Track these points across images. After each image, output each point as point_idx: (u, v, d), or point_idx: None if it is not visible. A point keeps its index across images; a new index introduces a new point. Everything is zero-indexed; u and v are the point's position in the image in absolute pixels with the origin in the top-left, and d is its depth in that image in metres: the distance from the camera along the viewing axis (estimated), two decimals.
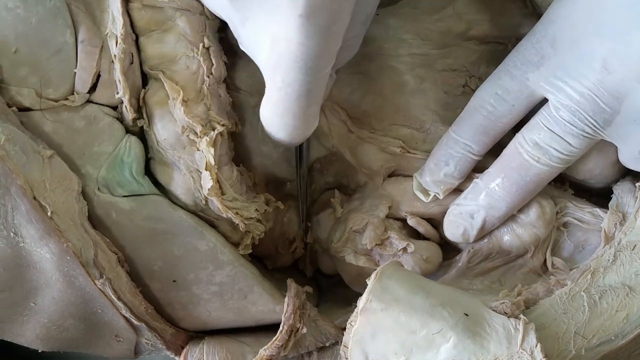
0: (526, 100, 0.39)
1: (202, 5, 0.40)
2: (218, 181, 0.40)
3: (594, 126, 0.37)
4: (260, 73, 0.37)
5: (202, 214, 0.41)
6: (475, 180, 0.42)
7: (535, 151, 0.38)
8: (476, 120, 0.40)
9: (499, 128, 0.40)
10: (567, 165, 0.39)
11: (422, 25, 0.44)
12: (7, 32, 0.38)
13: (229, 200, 0.40)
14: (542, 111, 0.38)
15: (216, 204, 0.40)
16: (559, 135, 0.38)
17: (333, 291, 0.50)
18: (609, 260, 0.38)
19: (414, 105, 0.44)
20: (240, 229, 0.41)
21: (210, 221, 0.41)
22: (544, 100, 0.38)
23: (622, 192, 0.41)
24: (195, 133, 0.40)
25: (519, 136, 0.39)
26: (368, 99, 0.44)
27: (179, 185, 0.40)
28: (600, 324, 0.37)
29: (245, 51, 0.38)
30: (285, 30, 0.32)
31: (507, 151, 0.40)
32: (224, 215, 0.40)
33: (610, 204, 0.41)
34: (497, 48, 0.44)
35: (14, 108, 0.38)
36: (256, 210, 0.42)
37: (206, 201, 0.40)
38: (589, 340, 0.36)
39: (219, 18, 0.40)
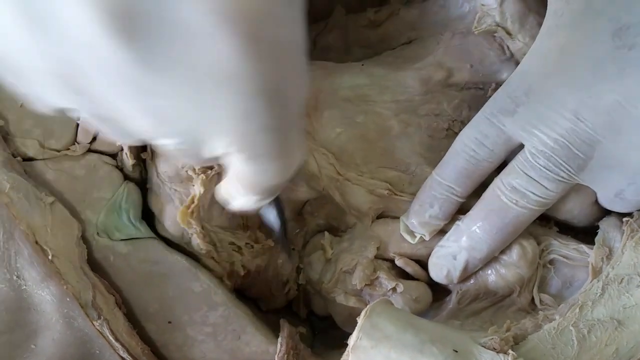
0: (504, 145, 0.40)
1: None
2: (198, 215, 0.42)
3: (568, 171, 0.38)
4: None
5: (186, 247, 0.43)
6: (457, 222, 0.43)
7: (513, 195, 0.40)
8: (458, 163, 0.42)
9: (480, 171, 0.42)
10: (546, 208, 0.41)
11: (405, 73, 0.46)
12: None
13: (212, 231, 0.42)
14: (519, 156, 0.40)
15: (195, 238, 0.41)
16: (535, 180, 0.39)
17: (327, 333, 0.51)
18: (596, 293, 0.39)
19: (400, 148, 0.46)
20: (215, 258, 0.43)
21: (195, 255, 0.43)
22: (522, 145, 0.40)
23: (608, 227, 0.42)
24: (194, 170, 0.42)
25: (497, 180, 0.41)
26: (355, 143, 0.46)
27: (168, 216, 0.42)
28: (590, 358, 0.37)
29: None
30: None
31: (486, 195, 0.42)
32: (202, 250, 0.42)
33: (596, 238, 0.42)
34: (478, 93, 0.46)
35: (19, 158, 0.41)
36: (243, 237, 0.43)
37: (190, 235, 0.42)
38: None
39: None
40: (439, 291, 0.46)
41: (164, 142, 0.29)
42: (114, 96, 0.26)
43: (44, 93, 0.28)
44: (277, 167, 0.31)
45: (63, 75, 0.26)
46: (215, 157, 0.30)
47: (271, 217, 0.42)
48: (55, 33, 0.24)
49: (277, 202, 0.42)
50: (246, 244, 0.45)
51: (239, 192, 0.34)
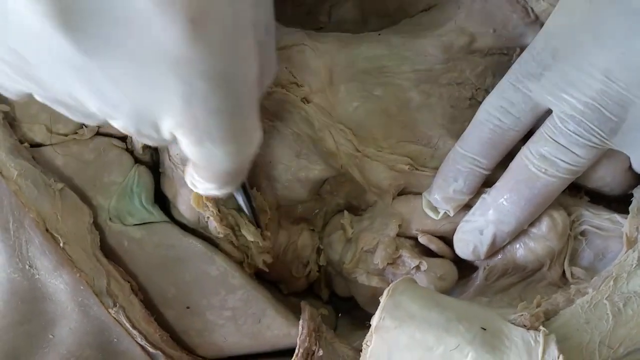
0: (531, 112, 0.38)
1: None
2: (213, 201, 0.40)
3: (601, 136, 0.36)
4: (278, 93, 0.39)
5: (204, 232, 0.42)
6: (483, 195, 0.41)
7: (542, 163, 0.38)
8: (483, 134, 0.40)
9: (506, 141, 0.40)
10: (576, 176, 0.39)
11: (425, 40, 0.44)
12: None
13: (229, 214, 0.41)
14: (547, 123, 0.38)
15: (213, 222, 0.40)
16: (564, 147, 0.37)
17: (351, 314, 0.50)
18: (632, 265, 0.37)
19: (421, 121, 0.44)
20: (234, 243, 0.42)
21: (213, 240, 0.42)
22: (550, 111, 0.38)
23: None
24: None
25: (524, 149, 0.39)
26: (373, 117, 0.44)
27: (183, 200, 0.41)
28: (627, 333, 0.35)
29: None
30: None
31: (513, 165, 0.40)
32: (220, 234, 0.41)
33: (630, 207, 0.40)
34: (502, 59, 0.44)
35: (26, 144, 0.40)
36: (249, 231, 0.42)
37: (207, 218, 0.41)
38: (615, 350, 0.35)
39: None
40: (465, 268, 0.44)
41: (115, 123, 0.29)
42: (60, 82, 0.27)
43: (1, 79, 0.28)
44: (225, 152, 0.30)
45: (10, 62, 0.26)
46: (166, 139, 0.29)
47: (241, 201, 0.41)
48: (1, 22, 0.24)
49: (245, 190, 0.41)
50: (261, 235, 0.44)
51: (196, 179, 0.33)
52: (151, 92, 0.26)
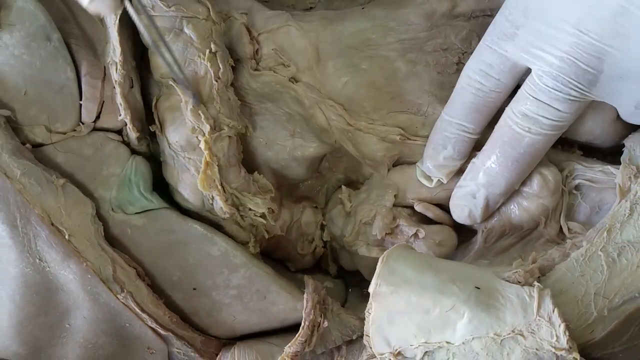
0: (510, 72, 0.38)
1: (209, 11, 0.42)
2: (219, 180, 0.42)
3: (579, 89, 0.36)
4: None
5: (209, 215, 0.43)
6: (472, 160, 0.41)
7: (525, 122, 0.38)
8: (466, 99, 0.40)
9: (490, 104, 0.40)
10: (561, 132, 0.39)
11: (407, 10, 0.44)
12: (17, 77, 0.41)
13: (232, 194, 0.42)
14: (527, 81, 0.38)
15: (219, 202, 0.41)
16: (545, 103, 0.37)
17: (360, 287, 0.51)
18: (624, 214, 0.37)
19: (409, 90, 0.44)
20: (242, 225, 0.43)
21: (218, 223, 0.43)
22: (530, 70, 0.38)
23: (634, 144, 0.40)
24: (204, 134, 0.41)
25: (507, 110, 0.39)
26: (362, 90, 0.44)
27: (187, 185, 0.42)
28: (621, 282, 0.35)
29: None
30: None
31: (498, 126, 0.40)
32: (226, 214, 0.42)
33: (622, 157, 0.40)
34: (486, 20, 0.43)
35: (28, 145, 0.41)
36: (264, 204, 0.43)
37: (212, 200, 0.42)
38: (610, 300, 0.35)
39: (224, 22, 0.42)
40: (465, 232, 0.45)
41: None
42: None
43: None
44: None
45: None
46: None
47: (135, 19, 0.38)
48: None
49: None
50: (268, 209, 0.45)
51: None
52: None
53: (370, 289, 0.36)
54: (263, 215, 0.44)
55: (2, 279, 0.40)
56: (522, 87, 0.38)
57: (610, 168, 0.40)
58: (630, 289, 0.35)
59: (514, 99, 0.39)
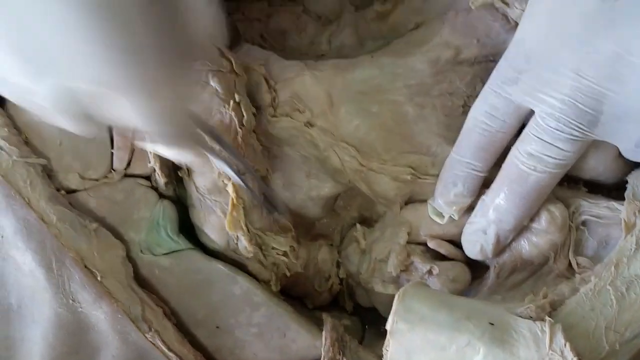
0: (515, 114, 0.41)
1: (232, 64, 0.45)
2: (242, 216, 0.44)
3: (581, 129, 0.38)
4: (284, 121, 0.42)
5: (233, 254, 0.45)
6: (482, 197, 0.43)
7: (531, 161, 0.40)
8: (473, 139, 0.42)
9: (496, 143, 0.42)
10: (565, 169, 0.40)
11: (414, 57, 0.47)
12: (52, 128, 0.43)
13: (256, 234, 0.44)
14: (531, 122, 0.40)
15: (243, 242, 0.43)
16: (549, 143, 0.39)
17: (377, 324, 0.52)
18: (631, 249, 0.38)
19: (418, 131, 0.46)
20: (264, 261, 0.44)
21: (241, 262, 0.45)
22: (533, 111, 0.40)
23: (637, 181, 0.41)
24: (230, 178, 0.44)
25: (513, 149, 0.41)
26: (373, 133, 0.46)
27: (213, 226, 0.45)
28: (631, 316, 0.36)
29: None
30: None
31: (505, 165, 0.42)
32: (250, 254, 0.44)
33: (626, 193, 0.41)
34: (489, 65, 0.46)
35: (63, 191, 0.44)
36: (286, 242, 0.45)
37: (237, 240, 0.44)
38: (622, 334, 0.36)
39: (247, 73, 0.45)
40: (478, 268, 0.46)
41: (37, 93, 0.29)
42: None
43: None
44: (145, 111, 0.29)
45: None
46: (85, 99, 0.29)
47: (226, 169, 0.42)
48: None
49: (226, 148, 0.41)
50: (290, 246, 0.47)
51: (147, 141, 0.34)
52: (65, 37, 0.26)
53: (388, 327, 0.38)
54: (285, 254, 0.46)
55: (37, 319, 0.42)
56: (526, 128, 0.40)
57: (615, 204, 0.41)
58: None
59: (519, 139, 0.41)
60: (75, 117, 0.30)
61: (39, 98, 0.29)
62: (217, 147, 0.41)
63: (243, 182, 0.43)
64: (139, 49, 0.28)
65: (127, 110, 0.29)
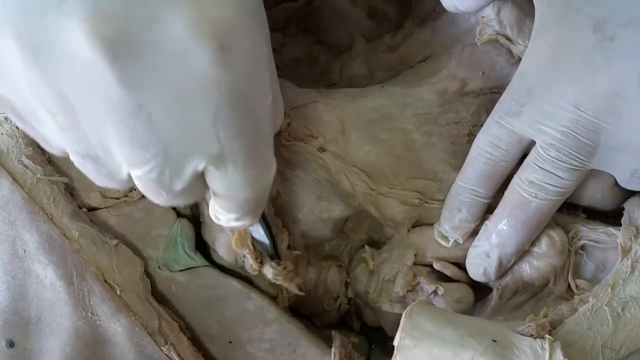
0: (517, 144, 0.43)
1: None
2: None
3: (579, 159, 0.40)
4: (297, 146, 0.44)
5: (242, 272, 0.47)
6: (485, 222, 0.45)
7: (532, 188, 0.42)
8: (477, 167, 0.44)
9: (499, 171, 0.44)
10: (565, 197, 0.43)
11: (422, 88, 0.49)
12: None
13: (261, 252, 0.46)
14: (532, 152, 0.42)
15: (249, 260, 0.45)
16: (550, 172, 0.41)
17: (382, 344, 0.53)
18: (627, 272, 0.40)
19: (426, 158, 0.48)
20: (269, 280, 0.46)
21: (249, 278, 0.47)
22: (534, 141, 0.42)
23: (633, 207, 0.43)
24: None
25: (515, 178, 0.43)
26: (383, 158, 0.49)
27: (222, 244, 0.47)
28: (627, 335, 0.38)
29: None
30: None
31: (507, 192, 0.44)
32: (256, 272, 0.46)
33: (622, 219, 0.43)
34: (494, 97, 0.48)
35: (84, 209, 0.46)
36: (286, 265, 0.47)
37: (244, 258, 0.46)
38: (617, 352, 0.38)
39: None
40: (481, 290, 0.48)
41: (139, 171, 0.31)
42: (97, 128, 0.30)
43: (44, 133, 0.32)
44: (246, 178, 0.33)
45: (56, 113, 0.30)
46: (186, 180, 0.32)
47: (259, 235, 0.45)
48: (50, 61, 0.27)
49: (265, 220, 0.44)
50: (286, 270, 0.48)
51: (219, 211, 0.37)
52: (182, 123, 0.30)
53: (395, 342, 0.39)
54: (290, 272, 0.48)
55: (55, 332, 0.43)
56: (528, 157, 0.42)
57: (612, 229, 0.44)
58: (635, 341, 0.38)
59: (521, 167, 0.43)
60: (182, 195, 0.34)
61: (140, 171, 0.32)
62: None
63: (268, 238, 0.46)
64: (260, 134, 0.33)
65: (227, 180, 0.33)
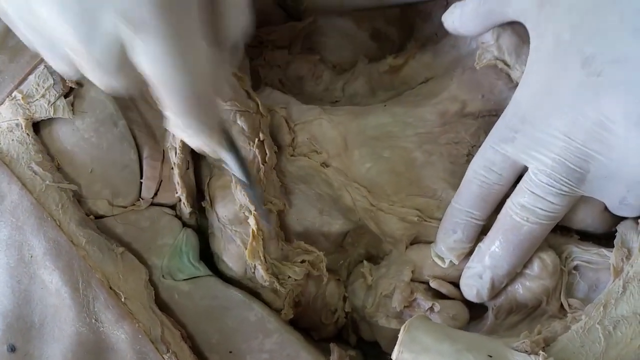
0: (511, 168, 0.44)
1: (258, 105, 0.48)
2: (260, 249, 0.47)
3: (570, 185, 0.42)
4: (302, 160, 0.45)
5: (249, 283, 0.48)
6: (479, 244, 0.47)
7: (524, 212, 0.43)
8: (472, 190, 0.46)
9: (493, 194, 0.45)
10: (556, 221, 0.44)
11: (424, 109, 0.51)
12: (85, 157, 0.47)
13: (272, 263, 0.47)
14: (525, 177, 0.44)
15: (260, 271, 0.46)
16: (541, 197, 0.43)
17: (379, 358, 0.54)
18: (618, 292, 0.41)
19: (425, 176, 0.50)
20: (279, 290, 0.47)
21: (256, 290, 0.48)
22: (527, 168, 0.44)
23: (625, 230, 0.45)
24: (250, 210, 0.47)
25: (508, 202, 0.45)
26: (384, 175, 0.50)
27: (232, 255, 0.48)
28: (618, 353, 0.39)
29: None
30: None
31: (500, 216, 0.45)
32: (266, 282, 0.46)
33: (615, 241, 0.45)
34: (492, 119, 0.49)
35: (92, 216, 0.47)
36: (301, 271, 0.48)
37: (254, 269, 0.47)
38: None
39: (270, 114, 0.48)
40: (477, 308, 0.49)
41: (61, 29, 0.30)
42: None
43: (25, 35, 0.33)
44: (168, 52, 0.31)
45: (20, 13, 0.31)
46: (105, 43, 0.30)
47: (229, 161, 0.43)
48: None
49: (234, 148, 0.43)
50: (306, 274, 0.49)
51: (171, 120, 0.35)
52: None
53: (393, 356, 0.40)
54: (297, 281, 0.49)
55: (57, 337, 0.44)
56: (520, 182, 0.44)
57: (604, 251, 0.45)
58: (626, 359, 0.39)
59: (514, 192, 0.45)
60: (111, 67, 0.32)
61: (76, 43, 0.31)
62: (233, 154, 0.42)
63: (249, 187, 0.45)
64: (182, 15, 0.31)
65: (154, 61, 0.31)
